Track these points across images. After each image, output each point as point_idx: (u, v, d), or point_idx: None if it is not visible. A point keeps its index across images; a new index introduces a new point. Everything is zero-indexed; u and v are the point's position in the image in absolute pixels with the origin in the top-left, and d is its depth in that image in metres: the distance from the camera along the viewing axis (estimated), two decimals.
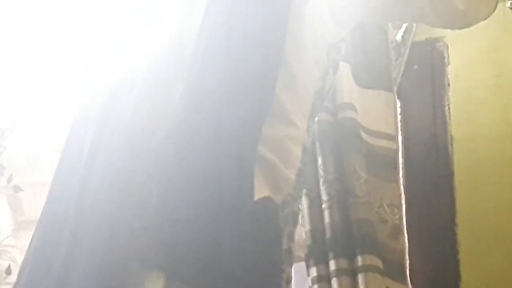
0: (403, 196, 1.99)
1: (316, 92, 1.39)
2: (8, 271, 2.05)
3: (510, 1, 2.14)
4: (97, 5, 1.47)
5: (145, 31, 1.32)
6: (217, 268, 1.11)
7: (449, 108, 2.15)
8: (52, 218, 1.26)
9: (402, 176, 2.14)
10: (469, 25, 1.60)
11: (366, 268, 1.82)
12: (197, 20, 1.27)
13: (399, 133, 2.13)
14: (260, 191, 1.20)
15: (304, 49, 1.34)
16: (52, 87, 2.10)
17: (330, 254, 1.85)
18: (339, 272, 1.83)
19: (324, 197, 1.88)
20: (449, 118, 2.15)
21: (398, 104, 2.16)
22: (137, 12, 1.35)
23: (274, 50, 1.27)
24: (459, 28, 1.64)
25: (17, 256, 2.03)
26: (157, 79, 1.25)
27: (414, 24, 2.09)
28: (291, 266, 1.38)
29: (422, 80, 2.20)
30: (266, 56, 1.26)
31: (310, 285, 1.92)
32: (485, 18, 1.57)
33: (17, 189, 2.09)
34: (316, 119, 1.90)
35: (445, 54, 2.21)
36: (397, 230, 1.92)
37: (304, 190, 1.91)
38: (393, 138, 1.99)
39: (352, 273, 1.84)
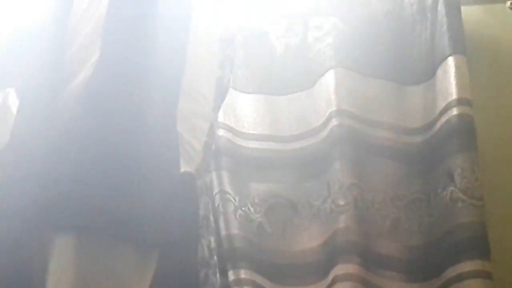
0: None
1: (217, 79, 1.53)
2: None
3: (510, 1, 2.14)
4: None
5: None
6: (136, 223, 1.21)
7: None
8: None
9: None
10: None
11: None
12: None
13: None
14: None
15: (199, 37, 1.46)
16: None
17: (341, 257, 1.86)
18: (346, 277, 1.82)
19: (341, 201, 1.87)
20: None
21: None
22: None
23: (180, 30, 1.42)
24: None
25: None
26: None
27: None
28: (212, 236, 1.51)
29: None
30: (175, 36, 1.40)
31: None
32: None
33: None
34: (335, 123, 1.91)
35: None
36: (396, 224, 1.93)
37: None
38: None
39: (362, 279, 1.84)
